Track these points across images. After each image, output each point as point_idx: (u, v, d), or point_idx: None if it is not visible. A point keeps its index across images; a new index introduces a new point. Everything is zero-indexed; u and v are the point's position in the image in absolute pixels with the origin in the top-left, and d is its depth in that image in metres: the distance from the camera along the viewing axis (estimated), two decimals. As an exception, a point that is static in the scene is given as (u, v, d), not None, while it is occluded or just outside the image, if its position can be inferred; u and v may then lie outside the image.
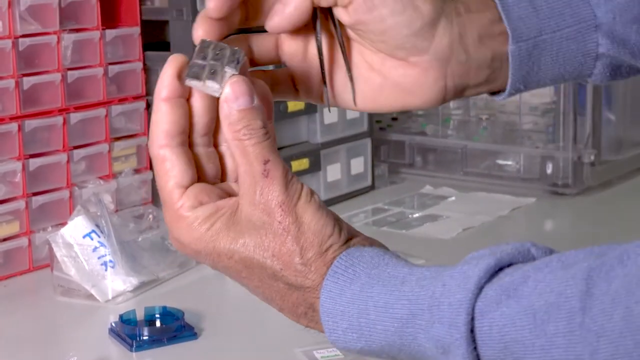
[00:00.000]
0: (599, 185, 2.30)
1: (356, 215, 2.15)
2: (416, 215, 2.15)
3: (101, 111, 1.90)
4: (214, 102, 0.74)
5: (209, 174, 0.76)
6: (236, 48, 0.73)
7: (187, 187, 0.73)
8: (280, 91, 0.83)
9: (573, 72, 0.86)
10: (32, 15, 1.77)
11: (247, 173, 0.72)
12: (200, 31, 0.76)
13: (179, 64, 0.74)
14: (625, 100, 2.44)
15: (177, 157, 0.73)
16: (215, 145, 0.77)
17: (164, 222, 1.80)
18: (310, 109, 2.16)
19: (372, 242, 0.76)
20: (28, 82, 1.76)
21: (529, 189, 2.30)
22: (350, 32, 0.82)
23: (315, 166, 2.19)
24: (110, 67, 1.92)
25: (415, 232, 2.02)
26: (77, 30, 1.85)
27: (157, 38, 2.17)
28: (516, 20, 0.82)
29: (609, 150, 2.36)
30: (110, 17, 1.95)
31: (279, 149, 2.16)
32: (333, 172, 2.24)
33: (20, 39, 1.75)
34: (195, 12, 1.91)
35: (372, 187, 2.36)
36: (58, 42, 1.81)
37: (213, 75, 0.72)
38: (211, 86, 0.72)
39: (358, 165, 2.31)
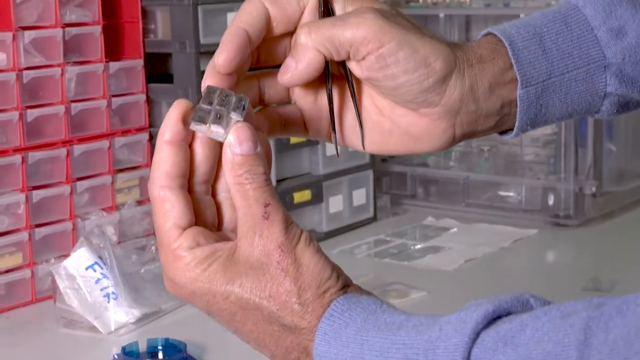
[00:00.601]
0: (600, 217, 2.30)
1: (358, 246, 2.15)
2: (418, 246, 2.15)
3: (104, 143, 1.91)
4: (215, 151, 0.75)
5: (206, 221, 0.76)
6: (242, 95, 0.74)
7: (185, 229, 0.73)
8: (291, 129, 0.83)
9: (580, 110, 0.86)
10: (36, 47, 1.78)
11: (246, 215, 0.72)
12: (209, 83, 0.76)
13: (183, 108, 0.74)
14: (626, 131, 2.45)
15: (176, 199, 0.73)
16: (214, 194, 0.77)
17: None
18: (312, 141, 2.17)
19: (368, 293, 0.76)
20: (32, 114, 1.77)
21: (531, 220, 2.30)
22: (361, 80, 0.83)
23: (318, 198, 2.19)
24: (113, 99, 1.93)
25: (417, 263, 2.02)
26: (81, 63, 1.87)
27: (160, 70, 2.18)
28: (526, 65, 0.82)
29: (611, 182, 2.36)
30: (113, 50, 1.96)
31: (281, 180, 2.17)
32: (335, 203, 2.24)
33: (25, 72, 1.76)
34: (198, 45, 1.92)
35: (374, 219, 2.36)
36: (62, 74, 1.82)
37: (218, 120, 0.72)
38: (216, 131, 0.72)
39: (360, 196, 2.32)
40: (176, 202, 0.73)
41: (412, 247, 2.14)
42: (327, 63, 0.80)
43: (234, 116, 0.73)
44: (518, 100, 0.82)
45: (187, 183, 0.75)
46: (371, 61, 0.78)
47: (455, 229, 2.27)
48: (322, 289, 0.72)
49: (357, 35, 0.77)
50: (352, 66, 0.80)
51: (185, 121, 0.74)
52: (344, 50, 0.78)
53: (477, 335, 0.65)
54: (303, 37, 0.78)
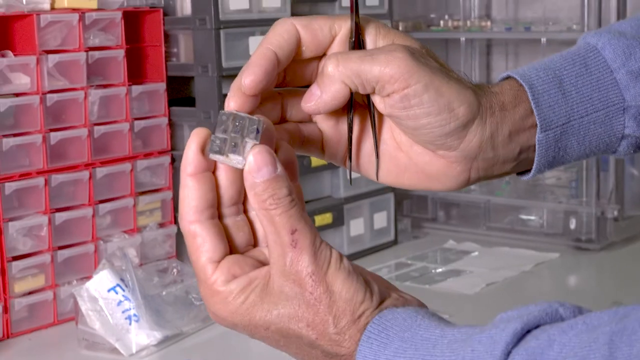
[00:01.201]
0: (622, 241, 2.29)
1: (379, 270, 2.15)
2: (439, 270, 2.14)
3: (127, 166, 1.92)
4: (240, 173, 0.75)
5: (239, 243, 0.76)
6: (255, 117, 0.74)
7: (219, 261, 0.74)
8: (309, 148, 0.83)
9: (597, 151, 0.86)
10: (60, 71, 1.80)
11: (275, 243, 0.72)
12: (233, 104, 0.76)
13: (202, 139, 0.74)
14: (648, 155, 2.44)
15: (207, 232, 0.74)
16: (245, 211, 0.78)
17: (187, 276, 1.82)
18: (333, 164, 2.17)
19: (405, 301, 0.76)
20: (55, 137, 1.78)
21: (553, 244, 2.29)
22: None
23: (339, 221, 2.19)
24: (136, 122, 1.94)
25: (438, 287, 2.02)
26: (104, 86, 1.88)
27: (182, 94, 2.20)
28: (546, 110, 0.82)
29: (633, 206, 2.35)
30: (136, 73, 1.97)
31: (303, 203, 2.16)
32: (356, 226, 2.25)
33: (48, 95, 1.77)
34: (220, 68, 1.93)
35: (395, 242, 2.36)
36: (85, 97, 1.83)
37: (235, 147, 0.72)
38: (234, 159, 0.73)
39: (381, 219, 2.32)
40: (207, 236, 0.74)
41: (433, 271, 2.14)
42: (352, 94, 0.80)
43: (249, 141, 0.73)
44: (537, 144, 0.83)
45: (216, 212, 0.75)
46: (395, 99, 0.78)
47: (476, 253, 2.27)
48: (357, 314, 0.72)
49: (384, 72, 0.77)
50: (376, 100, 0.80)
51: (204, 151, 0.74)
52: (369, 85, 0.78)
53: (507, 355, 0.65)
54: (331, 68, 0.78)
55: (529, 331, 0.67)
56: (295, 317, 0.72)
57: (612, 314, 0.64)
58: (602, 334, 0.62)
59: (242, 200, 0.77)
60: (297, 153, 0.81)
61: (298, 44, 0.79)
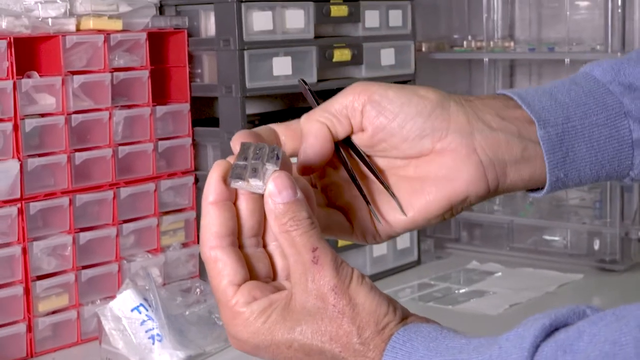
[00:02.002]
0: (646, 262, 2.28)
1: (402, 290, 2.15)
2: (462, 290, 2.14)
3: (150, 186, 1.93)
4: (260, 204, 0.76)
5: (260, 273, 0.77)
6: (274, 145, 0.76)
7: (240, 285, 0.74)
8: (334, 229, 0.84)
9: (612, 160, 0.85)
10: (85, 92, 1.81)
11: (297, 262, 0.73)
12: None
13: (223, 168, 0.76)
14: (672, 176, 2.43)
15: (228, 257, 0.75)
16: (264, 245, 0.78)
17: (211, 296, 1.82)
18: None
19: (428, 321, 0.76)
20: (80, 157, 1.80)
21: (576, 265, 2.28)
22: (378, 158, 0.84)
23: (362, 241, 2.19)
24: (160, 142, 1.95)
25: (461, 307, 2.01)
26: (129, 107, 1.89)
27: (206, 114, 2.20)
28: (540, 110, 0.83)
29: (657, 226, 2.34)
30: (160, 94, 1.99)
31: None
32: (379, 246, 2.24)
33: (73, 115, 1.79)
34: (244, 89, 1.94)
35: (418, 262, 2.36)
36: (110, 118, 1.84)
37: (255, 173, 0.73)
38: (255, 184, 0.74)
39: (404, 240, 2.31)
40: (228, 260, 0.75)
41: (456, 291, 2.13)
42: (337, 146, 0.82)
43: (270, 167, 0.74)
44: (540, 141, 0.82)
45: (236, 240, 0.76)
46: (368, 111, 0.80)
47: (499, 273, 2.26)
48: (381, 325, 0.72)
49: (347, 96, 0.82)
50: (358, 136, 0.82)
51: (226, 181, 0.75)
52: (342, 115, 0.81)
53: (536, 348, 0.66)
54: (303, 118, 0.82)
55: (557, 329, 0.67)
56: (318, 332, 0.72)
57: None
58: (633, 319, 0.62)
59: (262, 233, 0.78)
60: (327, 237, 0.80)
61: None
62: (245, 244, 0.77)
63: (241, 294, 0.74)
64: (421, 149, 0.82)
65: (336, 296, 0.72)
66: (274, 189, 0.73)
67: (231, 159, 0.76)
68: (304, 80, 0.86)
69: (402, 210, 0.83)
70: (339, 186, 0.85)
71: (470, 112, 0.82)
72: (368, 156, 0.83)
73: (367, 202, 0.83)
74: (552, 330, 0.67)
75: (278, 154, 0.74)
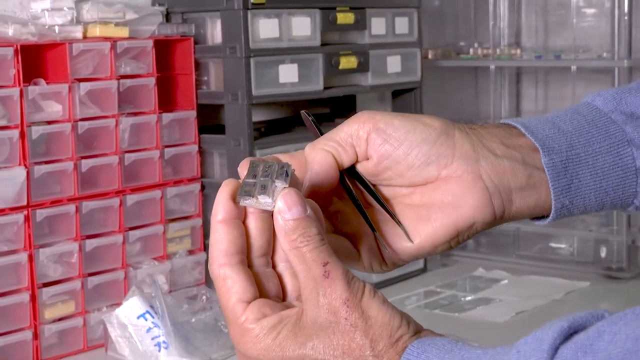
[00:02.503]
0: (654, 269, 2.28)
1: (408, 297, 2.14)
2: (469, 298, 2.14)
3: (157, 193, 1.93)
4: (269, 223, 0.76)
5: (269, 293, 0.76)
6: (284, 163, 0.75)
7: (249, 302, 0.73)
8: (341, 255, 0.81)
9: (616, 188, 0.85)
10: (92, 99, 1.81)
11: (307, 278, 0.72)
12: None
13: (232, 187, 0.75)
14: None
15: (237, 274, 0.74)
16: (273, 266, 0.78)
17: (217, 303, 1.82)
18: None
19: (442, 336, 0.76)
20: (86, 164, 1.80)
21: (583, 273, 2.28)
22: (383, 187, 0.83)
23: (368, 248, 2.19)
24: (166, 149, 1.95)
25: (467, 315, 2.01)
26: (135, 114, 1.89)
27: (212, 121, 2.21)
28: (543, 139, 0.83)
29: (664, 234, 2.34)
30: (167, 101, 1.99)
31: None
32: (385, 254, 2.24)
33: (80, 122, 1.79)
34: (250, 96, 1.94)
35: (424, 270, 2.35)
36: (116, 125, 1.84)
37: (264, 190, 0.73)
38: (264, 201, 0.73)
39: (410, 247, 2.31)
40: (238, 278, 0.74)
41: (462, 299, 2.13)
42: (342, 174, 0.81)
43: (279, 184, 0.73)
44: (545, 168, 0.82)
45: (245, 259, 0.75)
46: (373, 139, 0.80)
47: (506, 281, 2.26)
48: (395, 338, 0.72)
49: (352, 124, 0.81)
50: (364, 164, 0.81)
51: (235, 199, 0.75)
52: (347, 143, 0.81)
53: (555, 350, 0.65)
54: (307, 148, 0.82)
55: (575, 332, 0.67)
56: (330, 346, 0.71)
57: None
58: None
59: (270, 252, 0.77)
60: None
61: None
62: (255, 264, 0.76)
63: (251, 310, 0.73)
64: (427, 176, 0.81)
65: (348, 309, 0.71)
66: (283, 205, 0.73)
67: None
68: (307, 113, 0.85)
69: (409, 237, 0.82)
70: (345, 214, 0.84)
71: (474, 139, 0.82)
72: (373, 185, 0.83)
73: (373, 230, 0.82)
74: (570, 333, 0.67)
75: (287, 171, 0.74)
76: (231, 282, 0.74)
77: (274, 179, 0.73)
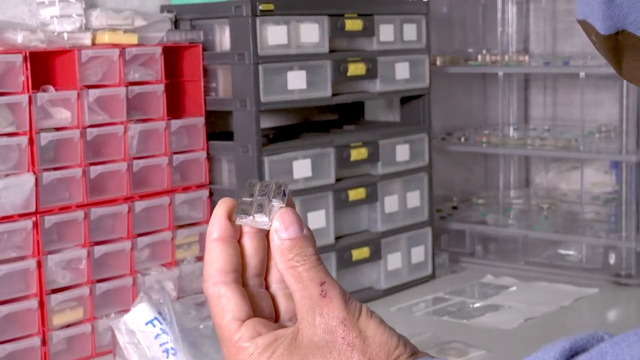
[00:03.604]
0: (663, 276, 2.27)
1: (416, 304, 2.14)
2: (477, 305, 2.13)
3: (165, 199, 1.93)
4: (263, 243, 0.75)
5: (263, 313, 0.75)
6: (281, 182, 0.74)
7: (243, 321, 0.72)
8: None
9: None
10: (100, 106, 1.82)
11: (304, 297, 0.71)
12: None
13: (229, 205, 0.74)
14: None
15: (232, 292, 0.73)
16: (267, 287, 0.76)
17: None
18: (371, 198, 2.17)
19: (438, 358, 0.75)
20: (95, 170, 1.80)
21: (592, 279, 2.28)
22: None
23: (376, 255, 2.19)
24: (174, 156, 1.95)
25: (476, 322, 2.00)
26: (143, 121, 1.90)
27: (221, 128, 2.21)
28: None
29: (673, 241, 2.33)
30: (175, 108, 1.99)
31: (340, 237, 2.16)
32: (393, 260, 2.24)
33: (88, 129, 1.79)
34: (258, 103, 1.94)
35: (432, 276, 2.35)
36: (125, 132, 1.85)
37: (261, 209, 0.72)
38: (260, 220, 0.73)
39: (419, 254, 2.31)
40: (232, 296, 0.73)
41: (471, 306, 2.13)
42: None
43: (276, 203, 0.73)
44: None
45: (240, 278, 0.74)
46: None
47: (514, 288, 2.25)
48: (392, 357, 0.71)
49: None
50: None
51: (231, 218, 0.74)
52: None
53: None
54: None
55: (577, 353, 0.66)
56: None
57: None
58: None
59: (264, 273, 0.76)
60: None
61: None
62: (249, 283, 0.75)
63: (246, 328, 0.72)
64: None
65: (345, 329, 0.70)
66: (280, 225, 0.72)
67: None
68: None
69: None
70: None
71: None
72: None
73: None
74: (571, 355, 0.66)
75: (285, 190, 0.74)
76: (226, 300, 0.73)
77: (271, 198, 0.73)
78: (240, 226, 0.74)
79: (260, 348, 0.71)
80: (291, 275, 0.72)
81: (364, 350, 0.70)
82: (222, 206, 0.75)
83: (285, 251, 0.72)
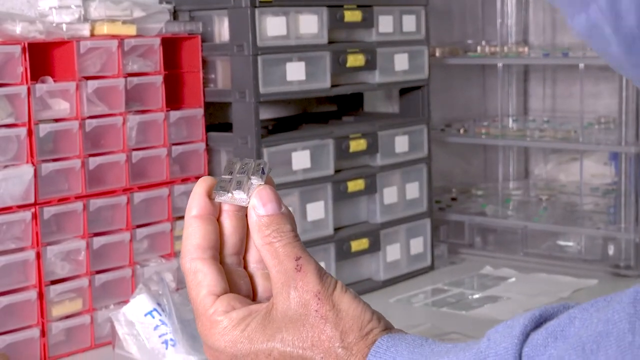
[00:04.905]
0: (662, 267, 2.27)
1: (415, 295, 2.14)
2: (476, 296, 2.13)
3: (164, 191, 1.93)
4: (242, 222, 0.76)
5: (240, 291, 0.75)
6: (261, 160, 0.75)
7: (219, 296, 0.73)
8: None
9: None
10: (99, 97, 1.82)
11: (279, 272, 0.72)
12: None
13: (209, 184, 0.75)
14: (687, 181, 2.42)
15: (208, 269, 0.73)
16: (245, 266, 0.77)
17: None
18: (370, 189, 2.17)
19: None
20: (94, 162, 1.80)
21: (591, 271, 2.28)
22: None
23: (375, 246, 2.19)
24: (173, 147, 1.95)
25: (475, 313, 2.01)
26: (142, 112, 1.89)
27: (220, 119, 2.21)
28: None
29: (672, 232, 2.34)
30: (174, 99, 1.99)
31: (339, 228, 2.17)
32: (392, 252, 2.24)
33: (87, 120, 1.79)
34: (257, 94, 1.94)
35: (431, 268, 2.35)
36: (123, 123, 1.85)
37: (239, 185, 0.73)
38: (239, 197, 0.73)
39: (417, 245, 2.31)
40: (209, 272, 0.73)
41: (470, 297, 2.13)
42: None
43: (255, 180, 0.74)
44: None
45: (218, 255, 0.75)
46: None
47: (513, 279, 2.26)
48: (365, 331, 0.71)
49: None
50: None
51: (210, 196, 0.75)
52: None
53: (526, 336, 0.65)
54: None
55: (547, 320, 0.66)
56: (299, 339, 0.70)
57: (632, 293, 0.62)
58: (625, 295, 0.61)
59: (243, 252, 0.77)
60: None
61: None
62: (227, 261, 0.76)
63: (220, 303, 0.72)
64: None
65: (319, 302, 0.71)
66: (258, 201, 0.73)
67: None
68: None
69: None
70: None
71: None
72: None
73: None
74: (541, 322, 0.66)
75: (264, 168, 0.74)
76: (202, 276, 0.73)
77: (250, 175, 0.74)
78: (220, 205, 0.75)
79: (233, 322, 0.72)
80: (267, 251, 0.72)
81: (337, 323, 0.71)
82: (202, 184, 0.76)
83: (262, 227, 0.73)
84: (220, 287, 0.73)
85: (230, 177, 0.74)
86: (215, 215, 0.75)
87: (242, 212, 0.75)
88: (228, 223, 0.76)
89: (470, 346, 0.68)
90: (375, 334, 0.71)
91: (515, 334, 0.65)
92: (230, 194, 0.74)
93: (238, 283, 0.76)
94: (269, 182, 0.75)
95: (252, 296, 0.76)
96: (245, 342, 0.71)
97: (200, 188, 0.75)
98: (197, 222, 0.74)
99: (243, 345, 0.72)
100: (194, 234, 0.74)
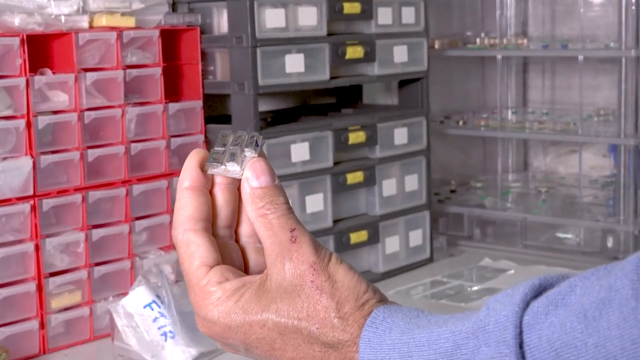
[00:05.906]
0: (661, 259, 2.27)
1: (414, 287, 2.14)
2: (475, 288, 2.13)
3: (163, 183, 1.93)
4: (235, 195, 0.75)
5: (233, 263, 0.75)
6: (254, 133, 0.75)
7: (212, 267, 0.72)
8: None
9: None
10: (98, 89, 1.81)
11: (273, 244, 0.71)
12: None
13: (201, 156, 0.75)
14: (686, 173, 2.42)
15: (201, 240, 0.73)
16: (237, 240, 0.77)
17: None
18: (369, 182, 2.17)
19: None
20: (93, 154, 1.80)
21: (590, 263, 2.27)
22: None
23: (374, 238, 2.19)
24: (172, 139, 1.95)
25: (474, 305, 2.01)
26: (141, 104, 1.89)
27: (218, 111, 2.21)
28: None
29: (671, 224, 2.34)
30: (173, 91, 1.99)
31: (338, 220, 2.16)
32: (392, 244, 2.24)
33: (86, 112, 1.79)
34: (256, 86, 1.94)
35: (430, 260, 2.35)
36: (122, 115, 1.84)
37: (232, 157, 0.73)
38: (232, 169, 0.73)
39: (416, 237, 2.31)
40: (201, 243, 0.73)
41: (468, 289, 2.13)
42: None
43: (248, 153, 0.73)
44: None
45: (210, 227, 0.75)
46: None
47: (512, 271, 2.26)
48: (361, 301, 0.71)
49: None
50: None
51: (203, 168, 0.74)
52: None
53: (526, 304, 0.65)
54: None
55: (546, 289, 0.66)
56: (294, 310, 0.70)
57: (634, 260, 0.62)
58: (627, 263, 0.61)
59: (235, 225, 0.76)
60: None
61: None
62: (219, 234, 0.75)
63: (214, 273, 0.72)
64: None
65: (315, 272, 0.70)
66: (251, 174, 0.73)
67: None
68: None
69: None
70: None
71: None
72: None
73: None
74: (541, 291, 0.66)
75: (257, 141, 0.74)
76: (195, 247, 0.73)
77: (244, 147, 0.73)
78: (212, 177, 0.75)
79: (227, 292, 0.71)
80: (261, 224, 0.72)
81: (333, 293, 0.70)
82: (195, 156, 0.75)
83: (256, 199, 0.72)
84: (213, 258, 0.73)
85: (223, 149, 0.74)
86: (207, 187, 0.75)
87: (234, 185, 0.75)
88: (220, 196, 0.75)
89: (469, 316, 0.68)
90: (371, 305, 0.71)
91: (516, 301, 0.65)
92: (223, 166, 0.73)
93: (230, 256, 0.75)
94: (261, 155, 0.74)
95: (244, 270, 0.76)
96: (240, 312, 0.71)
97: (192, 160, 0.75)
98: (190, 193, 0.74)
99: (237, 315, 0.71)
100: (186, 205, 0.74)
